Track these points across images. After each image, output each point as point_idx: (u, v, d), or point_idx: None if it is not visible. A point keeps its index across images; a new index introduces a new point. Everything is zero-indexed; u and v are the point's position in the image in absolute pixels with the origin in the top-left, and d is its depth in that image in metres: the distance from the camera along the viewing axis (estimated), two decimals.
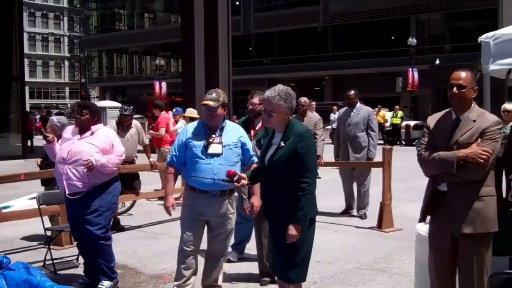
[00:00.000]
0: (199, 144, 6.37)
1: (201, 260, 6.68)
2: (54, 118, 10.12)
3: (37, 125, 36.97)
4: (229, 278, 7.68)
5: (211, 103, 6.36)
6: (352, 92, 12.01)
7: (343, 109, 12.51)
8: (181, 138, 6.54)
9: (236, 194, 6.68)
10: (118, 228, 10.91)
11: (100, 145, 7.18)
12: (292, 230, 5.22)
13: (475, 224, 4.88)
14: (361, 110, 11.92)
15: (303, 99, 12.21)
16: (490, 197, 4.97)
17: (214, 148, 6.36)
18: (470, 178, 4.88)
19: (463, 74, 5.03)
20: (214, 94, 6.46)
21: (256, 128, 8.22)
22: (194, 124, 6.68)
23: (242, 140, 6.60)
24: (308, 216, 5.31)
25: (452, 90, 5.04)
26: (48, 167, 9.31)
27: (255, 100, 8.20)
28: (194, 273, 6.53)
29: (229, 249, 8.49)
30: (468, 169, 4.84)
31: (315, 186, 5.36)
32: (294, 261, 5.44)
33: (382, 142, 33.38)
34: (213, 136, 6.41)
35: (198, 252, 6.54)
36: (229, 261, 8.42)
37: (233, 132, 6.60)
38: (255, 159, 6.68)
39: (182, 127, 14.33)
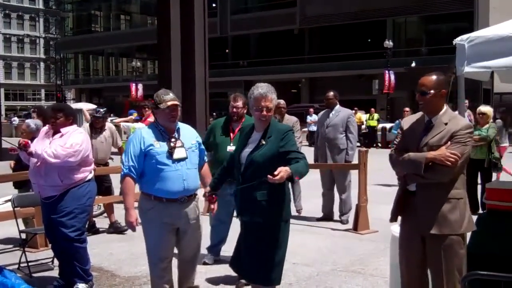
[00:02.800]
0: (162, 150, 6.02)
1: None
2: (31, 122, 10.05)
3: None
4: (206, 281, 7.68)
5: (178, 102, 6.15)
6: (331, 93, 11.87)
7: (322, 111, 12.41)
8: (137, 146, 6.05)
9: (198, 195, 6.44)
10: (94, 230, 10.87)
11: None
12: (283, 172, 4.90)
13: (441, 226, 4.93)
14: (341, 112, 11.74)
15: (281, 101, 12.17)
16: (458, 199, 5.00)
17: (179, 153, 6.08)
18: (438, 179, 4.93)
19: (428, 79, 5.08)
20: (171, 94, 6.18)
21: (235, 130, 8.23)
22: (146, 130, 6.26)
23: (199, 140, 6.44)
24: (299, 174, 5.10)
25: (416, 96, 5.12)
26: (21, 170, 9.26)
27: (239, 103, 8.22)
28: (172, 282, 6.41)
29: (205, 252, 8.50)
30: (436, 171, 4.89)
31: (308, 167, 5.32)
32: (272, 262, 5.43)
33: (358, 144, 33.46)
34: (173, 140, 6.12)
35: (171, 261, 6.36)
36: (205, 263, 8.41)
37: (189, 133, 6.38)
38: (206, 158, 6.66)
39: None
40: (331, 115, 11.73)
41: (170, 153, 6.03)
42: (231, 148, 8.00)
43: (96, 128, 11.31)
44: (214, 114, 25.84)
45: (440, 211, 4.94)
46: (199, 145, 6.42)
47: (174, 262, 6.44)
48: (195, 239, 6.39)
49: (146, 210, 6.15)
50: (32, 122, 10.12)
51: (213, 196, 6.05)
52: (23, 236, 8.77)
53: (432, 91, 5.02)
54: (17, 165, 9.92)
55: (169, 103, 6.05)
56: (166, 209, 6.06)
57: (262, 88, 5.53)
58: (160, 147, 6.03)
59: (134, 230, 6.18)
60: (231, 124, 8.36)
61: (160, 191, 6.02)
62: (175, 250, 6.39)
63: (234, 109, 8.26)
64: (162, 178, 6.00)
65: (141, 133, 6.18)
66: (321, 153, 11.79)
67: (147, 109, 15.01)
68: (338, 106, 11.81)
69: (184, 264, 6.48)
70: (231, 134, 8.28)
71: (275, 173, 4.88)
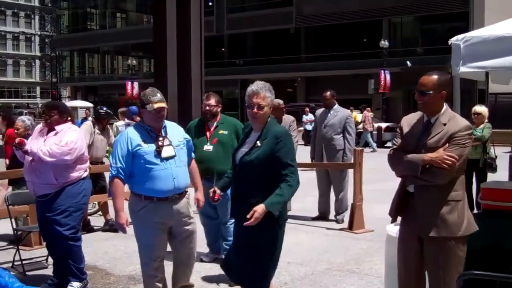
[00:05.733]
0: (149, 150, 5.98)
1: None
2: (25, 118, 10.03)
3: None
4: (201, 279, 7.67)
5: (165, 105, 6.09)
6: (328, 93, 11.82)
7: (320, 110, 12.27)
8: (124, 146, 6.00)
9: (189, 192, 6.43)
10: (88, 228, 10.85)
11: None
12: (258, 212, 5.02)
13: (440, 228, 4.87)
14: (339, 112, 11.72)
15: (280, 102, 12.15)
16: (457, 201, 4.94)
17: (167, 151, 6.04)
18: (435, 182, 4.86)
19: (428, 79, 4.98)
20: (159, 95, 6.10)
21: (211, 129, 8.22)
22: (132, 130, 6.20)
23: (186, 137, 6.44)
24: (280, 210, 5.14)
25: (416, 95, 5.04)
26: (17, 167, 9.24)
27: (212, 101, 8.22)
28: (165, 280, 6.37)
29: (205, 249, 8.52)
30: (433, 173, 4.83)
31: (298, 185, 5.27)
32: (260, 265, 5.37)
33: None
34: (160, 138, 6.08)
35: (164, 258, 6.34)
36: (201, 260, 8.40)
37: (176, 131, 6.36)
38: (193, 155, 6.66)
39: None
40: (329, 114, 11.70)
41: (158, 152, 6.00)
42: (208, 147, 8.04)
43: (103, 127, 11.33)
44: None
45: (439, 213, 4.86)
46: (187, 142, 6.41)
47: (169, 261, 6.42)
48: (189, 236, 6.34)
49: (137, 210, 6.10)
50: (26, 118, 10.11)
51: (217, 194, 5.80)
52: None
53: (431, 92, 4.93)
54: (13, 161, 9.90)
55: (156, 106, 6.02)
56: (157, 208, 6.03)
57: (255, 85, 5.42)
58: (148, 147, 6.00)
59: (124, 232, 6.15)
60: (206, 123, 8.35)
61: (151, 190, 5.99)
62: (169, 249, 6.38)
63: (207, 107, 8.26)
64: (152, 177, 5.96)
65: (128, 133, 6.13)
66: (318, 152, 11.78)
67: None
68: (336, 106, 11.78)
69: (179, 262, 6.44)
70: (207, 133, 8.28)
71: (248, 216, 5.02)
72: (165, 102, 6.11)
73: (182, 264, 6.46)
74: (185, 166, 6.24)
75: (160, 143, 6.03)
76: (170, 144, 6.10)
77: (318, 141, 11.80)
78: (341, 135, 11.59)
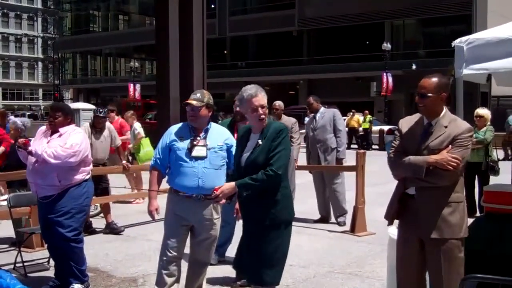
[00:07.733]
0: (183, 146, 6.19)
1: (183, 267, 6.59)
2: (18, 121, 10.02)
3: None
4: (203, 280, 7.65)
5: (194, 102, 6.19)
6: (310, 98, 11.96)
7: (310, 116, 12.42)
8: (165, 140, 6.35)
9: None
10: (90, 230, 10.83)
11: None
12: (225, 187, 5.45)
13: (442, 230, 4.88)
14: (326, 113, 11.77)
15: (278, 103, 12.09)
16: (458, 203, 4.96)
17: (198, 151, 6.18)
18: (439, 184, 4.88)
19: (428, 81, 5.02)
20: (198, 94, 6.31)
21: None
22: (178, 125, 6.47)
23: (228, 142, 6.41)
24: (249, 191, 5.32)
25: (416, 98, 5.07)
26: (7, 168, 9.24)
27: None
28: (177, 280, 6.34)
29: None
30: (437, 175, 4.84)
31: (278, 181, 5.32)
32: (268, 263, 5.39)
33: (356, 146, 33.33)
34: (198, 138, 6.23)
35: (181, 258, 6.36)
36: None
37: (219, 134, 6.43)
38: None
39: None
40: (317, 117, 11.79)
41: (189, 151, 6.18)
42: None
43: (96, 128, 11.28)
44: (222, 113, 25.84)
45: (441, 215, 4.88)
46: (229, 147, 6.40)
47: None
48: (207, 239, 6.39)
49: (168, 201, 6.36)
50: (19, 120, 10.10)
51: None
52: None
53: (431, 94, 4.96)
54: (5, 161, 9.89)
55: (186, 101, 6.29)
56: (180, 202, 6.21)
57: (251, 89, 5.51)
58: (183, 144, 6.22)
59: (153, 218, 6.45)
60: (236, 125, 8.34)
61: (177, 185, 6.22)
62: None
63: (238, 108, 8.25)
64: (180, 173, 6.18)
65: (172, 128, 6.44)
66: (313, 155, 11.80)
67: (111, 113, 14.79)
68: (322, 109, 11.84)
69: (192, 266, 6.50)
70: (235, 135, 8.28)
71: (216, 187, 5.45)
72: (198, 101, 6.25)
73: (196, 265, 6.49)
74: (216, 170, 6.25)
75: (194, 142, 6.22)
76: (204, 146, 6.23)
77: (313, 145, 11.82)
78: (333, 134, 11.65)
